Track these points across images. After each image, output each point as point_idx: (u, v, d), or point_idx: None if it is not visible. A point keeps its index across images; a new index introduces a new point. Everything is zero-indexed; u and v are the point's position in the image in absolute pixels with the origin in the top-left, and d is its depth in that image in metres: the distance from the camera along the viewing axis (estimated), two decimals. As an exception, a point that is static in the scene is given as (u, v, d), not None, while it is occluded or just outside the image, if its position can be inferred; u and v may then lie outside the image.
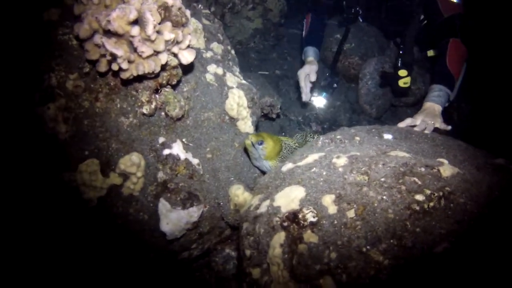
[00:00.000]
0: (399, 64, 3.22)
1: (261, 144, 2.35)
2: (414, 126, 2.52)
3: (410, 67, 3.24)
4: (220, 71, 2.42)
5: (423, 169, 1.67)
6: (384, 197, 1.57)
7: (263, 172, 2.50)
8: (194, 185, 2.00)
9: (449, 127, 2.54)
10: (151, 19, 1.77)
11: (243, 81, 2.55)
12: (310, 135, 2.89)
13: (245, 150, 2.44)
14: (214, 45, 2.56)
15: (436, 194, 1.54)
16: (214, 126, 2.26)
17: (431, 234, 1.45)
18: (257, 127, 2.60)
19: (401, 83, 3.25)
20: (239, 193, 2.02)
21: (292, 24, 4.70)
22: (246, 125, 2.39)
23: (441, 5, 3.06)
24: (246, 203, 1.98)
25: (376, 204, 1.56)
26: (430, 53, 3.47)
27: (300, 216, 1.55)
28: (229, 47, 2.71)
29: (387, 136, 2.25)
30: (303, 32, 3.75)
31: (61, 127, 1.78)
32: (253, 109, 2.49)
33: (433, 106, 2.70)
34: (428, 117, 2.57)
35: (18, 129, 1.77)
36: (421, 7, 3.10)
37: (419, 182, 1.59)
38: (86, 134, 1.82)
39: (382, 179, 1.64)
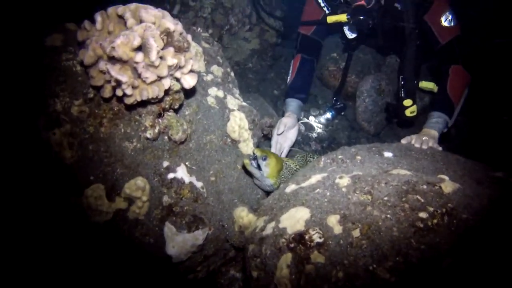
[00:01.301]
0: (402, 95, 3.17)
1: (265, 159, 2.35)
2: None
3: (414, 94, 3.19)
4: (221, 93, 2.45)
5: (425, 186, 1.70)
6: (388, 215, 1.59)
7: (266, 193, 2.51)
8: (199, 208, 2.01)
9: (440, 148, 2.56)
10: (155, 45, 1.81)
11: (244, 103, 2.58)
12: (310, 155, 2.91)
13: (244, 168, 2.42)
14: (214, 68, 2.60)
15: (439, 211, 1.56)
16: (217, 148, 2.29)
17: (436, 250, 1.47)
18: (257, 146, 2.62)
19: (407, 112, 3.20)
20: (243, 215, 2.03)
21: (289, 43, 4.76)
22: (248, 147, 2.42)
23: (436, 32, 3.07)
24: (251, 225, 2.00)
25: (380, 223, 1.58)
26: (422, 84, 3.39)
27: (306, 237, 1.57)
28: (228, 69, 2.76)
29: (388, 154, 2.28)
30: (288, 77, 3.53)
31: (66, 152, 1.81)
32: (254, 131, 2.52)
33: (430, 131, 2.75)
34: (425, 137, 2.62)
35: (24, 154, 1.78)
36: (415, 34, 3.10)
37: (422, 200, 1.61)
38: (91, 159, 1.84)
39: (386, 198, 1.66)
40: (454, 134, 3.94)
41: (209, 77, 2.52)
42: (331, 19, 3.10)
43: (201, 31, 2.78)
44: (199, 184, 2.07)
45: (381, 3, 3.07)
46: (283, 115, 3.30)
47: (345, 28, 3.39)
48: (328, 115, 3.91)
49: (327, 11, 3.30)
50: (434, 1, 3.03)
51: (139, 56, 1.78)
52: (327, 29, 3.64)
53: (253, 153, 2.34)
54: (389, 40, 3.41)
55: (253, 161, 2.34)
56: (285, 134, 3.07)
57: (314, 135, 3.65)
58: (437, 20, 3.04)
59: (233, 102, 2.50)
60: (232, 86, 2.73)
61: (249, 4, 3.86)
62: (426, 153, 2.33)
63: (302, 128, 3.77)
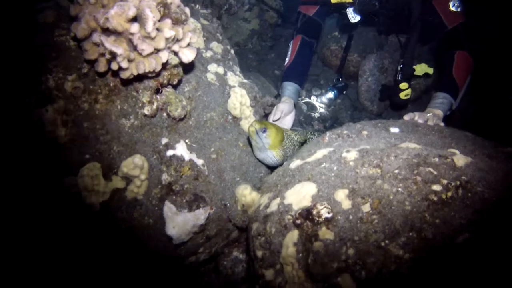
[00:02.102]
0: (399, 77, 3.19)
1: (264, 131, 2.26)
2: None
3: (410, 78, 3.22)
4: (221, 70, 2.36)
5: (436, 159, 1.62)
6: (400, 189, 1.52)
7: (270, 168, 2.43)
8: (200, 187, 1.93)
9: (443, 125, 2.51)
10: (151, 15, 1.72)
11: (245, 80, 2.50)
12: (311, 133, 2.83)
13: (249, 141, 2.36)
14: (214, 44, 2.51)
15: (453, 184, 1.49)
16: (217, 126, 2.21)
17: (451, 225, 1.40)
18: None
19: (402, 95, 3.23)
20: (246, 193, 1.95)
21: (289, 24, 4.66)
22: (249, 124, 2.33)
23: (443, 16, 3.04)
24: (254, 203, 1.92)
25: (392, 197, 1.51)
26: (418, 69, 3.34)
27: (314, 212, 1.49)
28: (228, 47, 2.66)
29: (394, 130, 2.20)
30: (287, 59, 3.41)
31: (60, 130, 1.72)
32: (256, 108, 2.44)
33: (436, 111, 2.71)
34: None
35: (16, 133, 1.70)
36: (421, 18, 3.06)
37: (435, 172, 1.54)
38: (86, 137, 1.76)
39: (396, 171, 1.58)
40: (457, 118, 3.87)
41: (209, 54, 2.43)
42: None
43: (199, 7, 2.68)
44: (199, 162, 1.99)
45: None
46: (279, 98, 3.19)
47: (349, 10, 3.28)
48: (330, 94, 3.83)
49: None
50: None
51: (135, 27, 1.69)
52: (328, 10, 3.51)
53: (252, 125, 2.25)
54: (393, 23, 3.35)
55: (259, 132, 2.26)
56: (281, 121, 2.96)
57: (317, 115, 3.57)
58: (445, 4, 3.02)
59: (233, 79, 2.41)
60: (233, 64, 2.63)
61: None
62: (433, 129, 2.25)
63: (304, 108, 3.69)
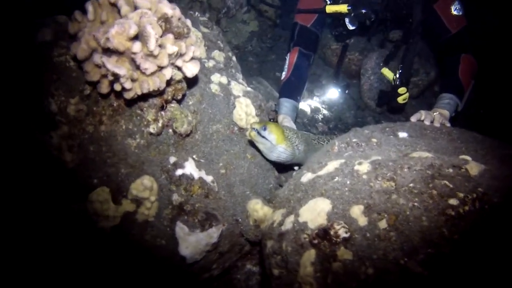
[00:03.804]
0: (398, 82, 3.17)
1: (265, 129, 2.24)
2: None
3: (408, 83, 3.21)
4: (224, 80, 2.32)
5: (451, 170, 1.59)
6: (416, 203, 1.49)
7: (283, 168, 2.38)
8: (211, 204, 1.91)
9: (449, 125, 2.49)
10: (153, 33, 1.68)
11: (248, 88, 2.46)
12: (317, 138, 2.79)
13: (257, 149, 2.35)
14: (216, 53, 2.46)
15: (470, 197, 1.46)
16: (224, 138, 2.17)
17: (470, 240, 1.37)
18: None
19: (400, 100, 3.21)
20: (258, 208, 1.92)
21: (288, 24, 4.61)
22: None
23: (446, 21, 3.03)
24: (266, 218, 1.90)
25: (408, 212, 1.48)
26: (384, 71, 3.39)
27: (331, 232, 1.46)
28: (230, 54, 2.62)
29: (403, 135, 2.17)
30: (283, 73, 3.31)
31: (66, 156, 1.69)
32: (261, 117, 2.40)
33: (442, 111, 2.70)
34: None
35: (23, 161, 1.66)
36: (421, 25, 3.03)
37: (450, 185, 1.51)
38: (93, 161, 1.73)
39: (411, 185, 1.55)
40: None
41: (211, 63, 2.39)
42: (330, 9, 3.01)
43: (198, 15, 2.63)
44: (209, 179, 1.96)
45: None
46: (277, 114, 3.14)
47: (346, 20, 3.24)
48: (333, 93, 3.80)
49: (328, 1, 3.16)
50: None
51: (137, 46, 1.64)
52: (325, 20, 3.48)
53: (252, 128, 2.23)
54: (392, 28, 3.34)
55: (256, 133, 2.24)
56: None
57: (320, 116, 3.53)
58: (447, 9, 3.01)
59: (237, 88, 2.37)
60: (235, 71, 2.59)
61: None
62: (442, 132, 2.23)
63: (308, 110, 3.65)
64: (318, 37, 3.49)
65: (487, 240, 1.36)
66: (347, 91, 3.83)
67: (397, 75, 3.20)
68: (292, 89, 3.22)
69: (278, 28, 4.40)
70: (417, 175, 1.59)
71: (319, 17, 3.33)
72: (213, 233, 1.84)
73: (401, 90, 3.17)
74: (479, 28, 3.67)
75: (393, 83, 3.19)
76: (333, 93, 3.80)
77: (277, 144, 2.31)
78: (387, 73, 3.34)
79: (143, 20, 1.71)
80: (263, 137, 2.25)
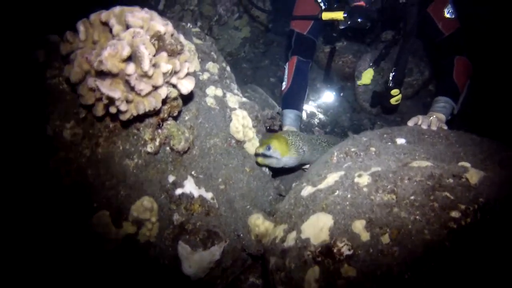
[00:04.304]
0: (391, 84, 3.19)
1: (269, 149, 2.34)
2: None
3: (401, 85, 3.23)
4: (219, 92, 2.31)
5: (451, 180, 1.59)
6: (418, 217, 1.49)
7: (278, 188, 2.44)
8: (212, 221, 1.90)
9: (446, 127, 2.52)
10: (146, 53, 1.66)
11: (244, 99, 2.45)
12: (317, 138, 2.83)
13: (262, 165, 2.44)
14: (210, 65, 2.45)
15: (471, 208, 1.46)
16: (222, 152, 2.16)
17: (473, 252, 1.37)
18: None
19: (393, 101, 3.24)
20: (259, 223, 1.92)
21: (280, 28, 4.59)
22: (254, 146, 2.29)
23: (440, 24, 3.05)
24: (268, 233, 1.89)
25: (410, 226, 1.47)
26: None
27: (334, 250, 1.46)
28: (224, 64, 2.61)
29: (401, 141, 2.17)
30: (284, 83, 3.32)
31: (64, 181, 1.67)
32: (258, 127, 2.39)
33: (438, 115, 2.71)
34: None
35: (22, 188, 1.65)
36: (415, 27, 3.03)
37: (451, 197, 1.51)
38: (91, 185, 1.71)
39: (412, 197, 1.55)
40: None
41: (205, 76, 2.37)
42: (326, 16, 3.01)
43: (191, 26, 2.61)
44: (209, 196, 1.95)
45: (383, 3, 3.01)
46: (280, 128, 3.17)
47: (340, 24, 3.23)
48: (327, 97, 3.79)
49: (323, 7, 3.15)
50: None
51: (131, 68, 1.63)
52: (321, 26, 3.46)
53: (257, 154, 2.34)
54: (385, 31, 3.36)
55: (262, 157, 2.35)
56: None
57: (316, 121, 3.53)
58: (440, 12, 3.03)
59: (233, 99, 2.36)
60: (230, 82, 2.58)
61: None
62: (439, 136, 2.23)
63: (303, 115, 3.64)
64: (315, 44, 3.49)
65: (490, 251, 1.37)
66: (342, 94, 3.83)
67: (391, 77, 3.21)
68: (294, 98, 3.24)
69: (270, 32, 4.38)
70: (418, 187, 1.59)
71: (315, 23, 3.32)
72: (216, 251, 1.83)
73: (394, 91, 3.19)
74: (475, 26, 3.69)
75: (363, 85, 3.25)
76: (328, 96, 3.80)
77: (282, 157, 2.42)
78: (366, 75, 3.40)
79: (136, 40, 1.70)
80: (269, 156, 2.35)
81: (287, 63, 3.36)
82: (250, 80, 3.88)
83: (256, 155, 2.37)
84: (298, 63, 3.32)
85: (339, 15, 2.97)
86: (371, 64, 3.71)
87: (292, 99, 3.24)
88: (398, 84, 3.19)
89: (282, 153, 2.41)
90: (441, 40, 3.09)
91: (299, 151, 2.54)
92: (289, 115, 3.15)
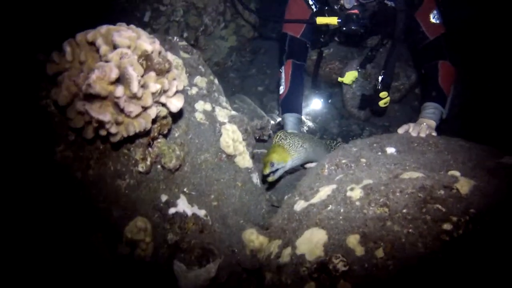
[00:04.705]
0: (380, 87, 3.27)
1: (272, 165, 2.50)
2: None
3: (389, 87, 3.31)
4: (208, 107, 2.31)
5: (442, 191, 1.61)
6: (411, 230, 1.51)
7: (270, 200, 2.46)
8: (206, 239, 1.89)
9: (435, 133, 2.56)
10: (135, 75, 1.65)
11: (233, 112, 2.45)
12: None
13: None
14: (198, 79, 2.44)
15: (463, 220, 1.48)
16: (213, 167, 2.16)
17: (466, 263, 1.39)
18: (253, 156, 2.50)
19: (381, 103, 3.31)
20: (253, 238, 1.92)
21: (265, 34, 4.60)
22: (244, 160, 2.29)
23: (425, 28, 3.10)
24: (262, 248, 1.90)
25: (403, 239, 1.49)
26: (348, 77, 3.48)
27: (330, 267, 1.47)
28: (211, 77, 2.60)
29: (391, 150, 2.19)
30: (281, 87, 3.36)
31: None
32: (248, 141, 2.39)
33: (428, 121, 2.76)
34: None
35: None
36: (403, 32, 3.11)
37: (443, 209, 1.53)
38: (84, 207, 1.69)
39: (404, 210, 1.57)
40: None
41: (194, 90, 2.37)
42: (321, 20, 3.06)
43: (177, 40, 2.61)
44: (202, 213, 1.95)
45: (374, 9, 3.07)
46: (270, 137, 3.21)
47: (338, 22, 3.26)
48: (316, 105, 3.81)
49: (314, 9, 3.21)
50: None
51: (119, 91, 1.62)
52: (313, 29, 3.49)
53: (265, 176, 2.51)
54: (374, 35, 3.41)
55: (273, 170, 2.52)
56: None
57: (305, 128, 3.54)
58: (426, 17, 3.08)
59: (222, 113, 2.36)
60: (218, 95, 2.58)
61: (222, 1, 3.65)
62: (428, 143, 2.25)
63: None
64: (308, 46, 3.54)
65: (482, 262, 1.39)
66: (329, 101, 3.85)
67: (379, 80, 3.28)
68: (293, 102, 3.32)
69: (257, 40, 4.38)
70: (410, 199, 1.61)
71: (307, 26, 3.37)
72: (211, 268, 1.83)
73: (383, 94, 3.27)
74: (460, 30, 3.76)
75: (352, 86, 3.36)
76: (316, 103, 3.81)
77: (286, 163, 2.59)
78: (349, 75, 3.45)
79: (124, 61, 1.69)
80: (276, 170, 2.54)
81: (282, 67, 3.41)
82: (238, 89, 3.88)
83: (265, 177, 2.52)
84: (294, 67, 3.37)
85: (333, 20, 3.03)
86: (358, 68, 3.75)
87: (292, 103, 3.32)
88: (387, 87, 3.26)
89: (284, 160, 2.57)
90: (426, 44, 3.14)
91: (299, 150, 2.68)
92: (290, 118, 3.24)
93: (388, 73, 3.22)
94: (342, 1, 3.03)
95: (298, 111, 3.31)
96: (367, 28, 3.07)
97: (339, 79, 3.66)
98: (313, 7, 3.22)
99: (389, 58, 3.22)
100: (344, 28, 3.03)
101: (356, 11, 2.99)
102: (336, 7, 3.08)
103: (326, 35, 3.54)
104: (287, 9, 3.40)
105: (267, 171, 2.45)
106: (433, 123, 2.74)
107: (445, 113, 2.89)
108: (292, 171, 2.95)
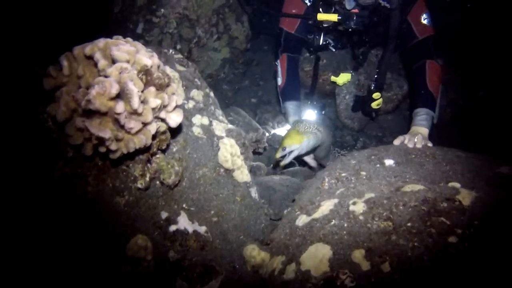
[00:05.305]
0: (373, 87, 3.35)
1: (285, 149, 2.78)
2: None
3: (382, 88, 3.39)
4: (205, 120, 2.30)
5: (445, 204, 1.62)
6: (416, 243, 1.50)
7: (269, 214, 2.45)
8: (208, 255, 1.86)
9: (431, 145, 2.57)
10: (135, 90, 1.63)
11: (230, 126, 2.43)
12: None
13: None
14: (194, 92, 2.43)
15: (468, 233, 1.48)
16: (211, 182, 2.13)
17: (472, 275, 1.40)
18: (250, 170, 2.48)
19: (374, 105, 3.39)
20: (255, 254, 1.90)
21: (258, 46, 4.62)
22: (243, 174, 2.27)
23: (415, 28, 3.16)
24: (264, 263, 1.87)
25: (409, 253, 1.49)
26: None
27: (338, 283, 1.45)
28: (207, 90, 2.59)
29: (389, 162, 2.20)
30: (279, 79, 3.55)
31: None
32: (246, 154, 2.38)
33: (421, 130, 2.79)
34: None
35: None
36: (397, 31, 3.14)
37: (448, 222, 1.53)
38: (82, 225, 1.66)
39: (409, 224, 1.57)
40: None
41: (191, 104, 2.35)
42: (321, 17, 3.17)
43: (173, 52, 2.59)
44: (202, 229, 1.92)
45: (372, 8, 3.11)
46: (265, 149, 3.26)
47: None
48: (309, 115, 3.81)
49: (308, 3, 3.32)
50: (417, 1, 3.14)
51: (120, 106, 1.59)
52: (309, 26, 3.56)
53: (278, 160, 2.79)
54: (367, 38, 3.45)
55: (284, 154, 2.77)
56: None
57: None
58: (418, 17, 3.15)
59: (219, 127, 2.34)
60: (215, 108, 2.56)
61: (215, 13, 3.66)
62: (426, 154, 2.27)
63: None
64: (303, 40, 3.67)
65: (487, 273, 1.39)
66: (323, 112, 3.86)
67: (374, 80, 3.37)
68: (293, 91, 3.53)
69: (249, 52, 4.39)
70: (414, 213, 1.61)
71: (302, 22, 3.46)
72: (213, 286, 1.80)
73: (376, 95, 3.34)
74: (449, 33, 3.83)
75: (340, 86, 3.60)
76: (310, 114, 3.81)
77: (301, 144, 2.79)
78: (343, 76, 3.57)
79: (124, 76, 1.66)
80: (290, 152, 2.77)
81: (278, 61, 3.56)
82: (232, 101, 3.87)
83: (277, 161, 2.76)
84: (289, 59, 3.53)
85: (333, 17, 3.13)
86: (351, 72, 3.79)
87: (291, 92, 3.52)
88: (380, 88, 3.34)
89: (299, 142, 2.78)
90: (415, 43, 3.20)
91: (314, 132, 2.89)
92: (291, 106, 3.46)
93: (382, 73, 3.28)
94: (344, 2, 3.09)
95: (298, 98, 3.52)
96: (366, 26, 3.14)
97: (332, 78, 3.72)
98: (307, 1, 3.33)
99: (383, 58, 3.27)
100: (343, 28, 3.16)
101: (356, 10, 3.08)
102: (336, 7, 3.16)
103: (322, 32, 3.61)
104: (284, 3, 3.51)
105: (278, 155, 2.70)
106: (425, 131, 2.76)
107: (436, 117, 2.92)
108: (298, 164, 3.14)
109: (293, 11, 3.42)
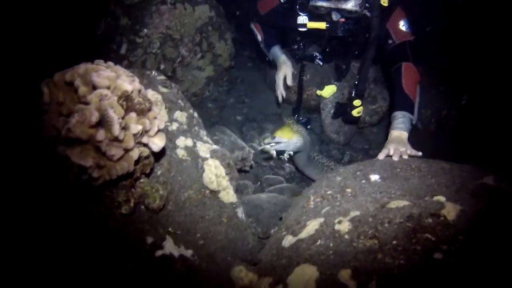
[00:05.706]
0: (353, 95, 3.38)
1: (274, 138, 3.00)
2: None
3: (363, 96, 3.42)
4: (189, 142, 2.29)
5: (430, 220, 1.63)
6: (402, 261, 1.50)
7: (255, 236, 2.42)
8: (196, 278, 1.84)
9: (420, 153, 2.58)
10: (116, 117, 1.62)
11: (215, 146, 2.43)
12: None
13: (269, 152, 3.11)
14: (178, 114, 2.42)
15: (453, 248, 1.49)
16: (197, 204, 2.12)
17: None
18: (236, 190, 2.46)
19: (355, 112, 3.40)
20: (243, 276, 1.87)
21: (242, 63, 4.64)
22: (229, 195, 2.26)
23: (393, 33, 3.22)
24: (252, 285, 1.85)
25: (396, 271, 1.48)
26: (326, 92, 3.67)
27: (325, 306, 1.44)
28: (191, 111, 2.58)
29: (374, 177, 2.20)
30: (258, 37, 3.79)
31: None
32: (231, 175, 2.37)
33: (400, 133, 2.77)
34: (399, 145, 2.59)
35: None
36: (376, 38, 3.21)
37: (433, 238, 1.54)
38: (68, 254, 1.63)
39: (394, 242, 1.57)
40: (421, 133, 4.01)
41: (174, 126, 2.35)
42: (311, 25, 3.27)
43: (156, 74, 2.59)
44: (189, 253, 1.90)
45: (357, 18, 3.18)
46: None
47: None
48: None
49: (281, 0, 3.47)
50: (396, 9, 3.21)
51: (101, 134, 1.58)
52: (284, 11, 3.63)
53: (264, 144, 3.00)
54: (351, 46, 3.50)
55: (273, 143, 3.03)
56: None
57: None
58: (396, 24, 3.22)
59: (203, 148, 2.34)
60: (199, 129, 2.55)
61: (198, 31, 3.67)
62: (411, 168, 2.27)
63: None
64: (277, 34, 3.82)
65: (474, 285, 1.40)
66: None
67: (354, 88, 3.39)
68: (273, 38, 3.74)
69: (234, 69, 4.41)
70: (399, 230, 1.61)
71: (275, 9, 3.61)
72: (201, 310, 1.78)
73: (356, 102, 3.36)
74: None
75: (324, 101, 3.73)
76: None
77: (290, 140, 3.04)
78: (328, 89, 3.66)
79: (104, 103, 1.66)
80: (277, 142, 3.00)
81: (252, 25, 3.83)
82: (217, 119, 3.87)
83: (263, 146, 2.99)
84: (262, 25, 3.78)
85: (321, 25, 3.23)
86: (335, 83, 3.82)
87: (271, 40, 3.74)
88: (361, 95, 3.37)
89: (289, 138, 3.02)
90: (392, 48, 3.25)
91: (304, 136, 3.15)
92: (276, 49, 3.70)
93: (362, 80, 3.33)
94: (332, 14, 3.19)
95: (280, 43, 3.74)
96: (351, 32, 3.23)
97: (318, 92, 3.75)
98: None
99: (363, 65, 3.33)
100: (329, 34, 3.29)
101: (343, 19, 3.17)
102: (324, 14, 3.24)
103: (305, 40, 3.69)
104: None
105: (267, 140, 2.96)
106: (404, 134, 2.75)
107: (415, 118, 2.92)
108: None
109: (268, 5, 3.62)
